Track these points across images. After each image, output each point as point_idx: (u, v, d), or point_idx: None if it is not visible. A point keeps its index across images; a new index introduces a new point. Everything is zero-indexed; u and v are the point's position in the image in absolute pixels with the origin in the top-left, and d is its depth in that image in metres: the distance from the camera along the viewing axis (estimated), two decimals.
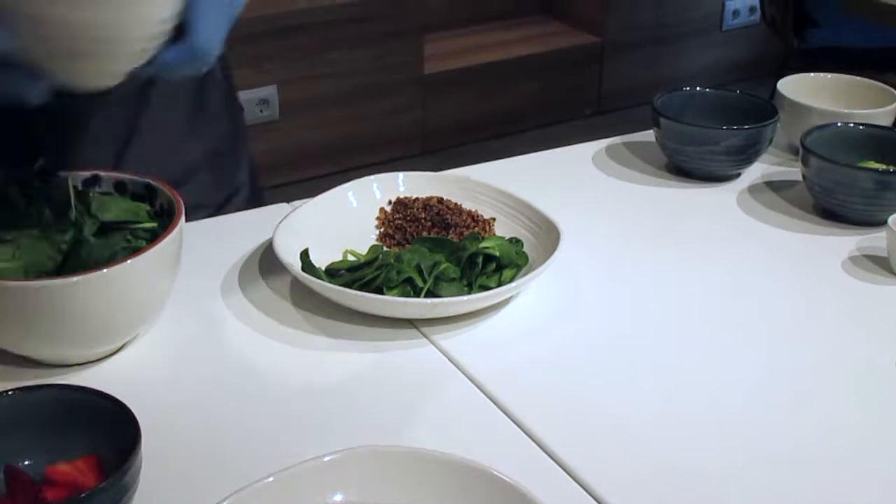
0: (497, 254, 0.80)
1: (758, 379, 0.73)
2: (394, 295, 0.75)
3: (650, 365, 0.74)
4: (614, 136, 1.12)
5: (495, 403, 0.69)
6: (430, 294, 0.77)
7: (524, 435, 0.66)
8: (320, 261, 0.81)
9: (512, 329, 0.77)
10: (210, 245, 0.87)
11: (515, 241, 0.84)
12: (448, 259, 0.80)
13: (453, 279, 0.78)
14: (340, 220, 0.87)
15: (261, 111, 2.64)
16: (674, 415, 0.69)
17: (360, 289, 0.76)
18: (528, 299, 0.81)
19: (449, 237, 0.85)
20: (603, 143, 1.10)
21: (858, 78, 1.12)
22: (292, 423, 0.67)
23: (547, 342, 0.76)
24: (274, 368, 0.72)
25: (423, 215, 0.86)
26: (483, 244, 0.81)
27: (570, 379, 0.72)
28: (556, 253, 0.79)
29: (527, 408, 0.68)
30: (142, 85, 0.89)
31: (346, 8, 2.68)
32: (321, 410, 0.68)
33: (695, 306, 0.82)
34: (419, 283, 0.77)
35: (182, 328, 0.76)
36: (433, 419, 0.68)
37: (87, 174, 0.76)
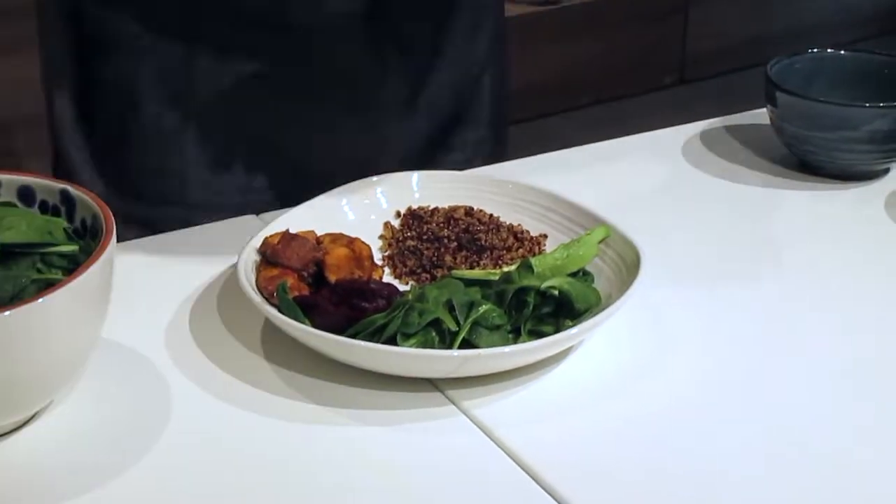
0: (571, 293, 0.79)
1: None
2: (411, 346, 0.77)
3: (764, 451, 0.73)
4: (707, 115, 1.15)
5: (552, 495, 0.70)
6: (466, 344, 0.78)
7: None
8: None
9: (572, 393, 0.78)
10: (152, 275, 0.89)
11: (583, 274, 0.85)
12: (485, 296, 0.81)
13: (498, 327, 0.79)
14: None
15: None
16: None
17: (367, 338, 0.77)
18: (593, 352, 0.82)
19: (481, 264, 0.87)
20: (695, 128, 1.13)
21: None
22: None
23: (621, 411, 0.77)
24: (239, 449, 0.73)
25: (446, 233, 0.89)
26: (549, 283, 0.80)
27: (654, 461, 0.72)
28: (634, 286, 0.80)
29: (594, 502, 0.69)
30: None
31: None
32: None
33: (831, 362, 0.81)
34: (449, 325, 0.78)
35: (111, 393, 0.77)
36: None
37: None
